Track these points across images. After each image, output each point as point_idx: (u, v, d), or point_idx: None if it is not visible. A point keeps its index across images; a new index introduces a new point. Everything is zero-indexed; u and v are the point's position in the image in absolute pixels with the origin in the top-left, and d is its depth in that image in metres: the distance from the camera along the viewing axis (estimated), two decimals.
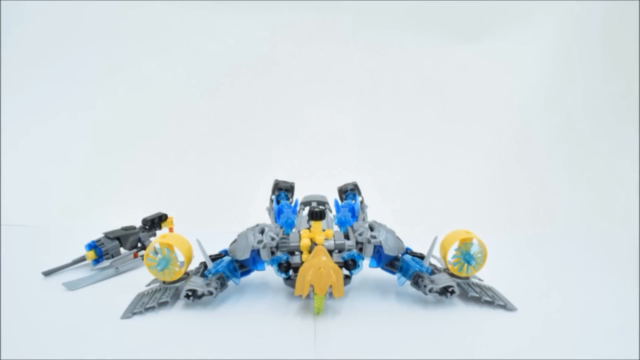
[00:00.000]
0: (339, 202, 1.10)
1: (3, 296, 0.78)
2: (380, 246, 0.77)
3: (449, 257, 0.79)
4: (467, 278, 0.79)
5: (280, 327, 0.70)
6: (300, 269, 0.71)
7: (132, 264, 0.93)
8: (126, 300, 0.76)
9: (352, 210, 1.02)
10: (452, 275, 0.78)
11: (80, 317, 0.72)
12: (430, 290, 0.74)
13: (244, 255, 0.77)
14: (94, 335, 0.66)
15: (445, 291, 0.74)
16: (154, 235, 1.00)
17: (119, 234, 0.93)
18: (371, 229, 0.79)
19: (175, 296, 0.76)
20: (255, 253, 0.77)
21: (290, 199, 1.12)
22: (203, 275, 0.77)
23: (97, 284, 0.85)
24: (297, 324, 0.71)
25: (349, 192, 1.12)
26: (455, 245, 0.79)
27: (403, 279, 0.79)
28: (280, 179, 1.13)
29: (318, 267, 0.68)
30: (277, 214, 0.99)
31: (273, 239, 0.77)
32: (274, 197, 1.09)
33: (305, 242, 0.75)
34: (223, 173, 1.44)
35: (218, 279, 0.75)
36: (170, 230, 1.05)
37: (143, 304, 0.73)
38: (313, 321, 0.71)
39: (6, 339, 0.64)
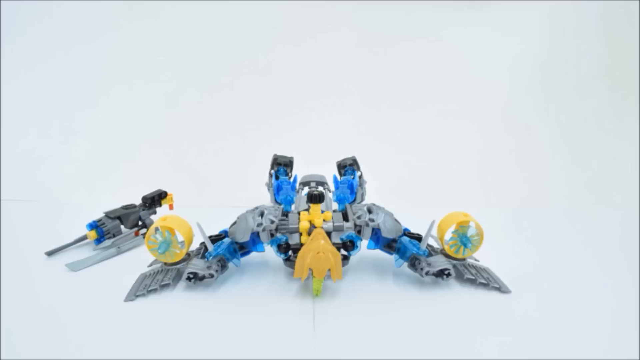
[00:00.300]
0: (338, 177, 1.10)
1: (5, 277, 0.79)
2: (379, 229, 0.78)
3: (446, 238, 0.80)
4: (464, 259, 0.81)
5: (280, 308, 0.72)
6: (300, 252, 0.72)
7: (134, 243, 0.94)
8: (129, 280, 0.77)
9: (351, 187, 1.02)
10: (448, 256, 0.80)
11: (84, 299, 0.74)
12: (427, 273, 0.75)
13: (243, 237, 0.78)
14: (98, 317, 0.69)
15: (441, 273, 0.75)
16: (155, 213, 1.01)
17: (120, 213, 0.93)
18: (369, 211, 0.79)
19: (177, 277, 0.78)
20: (255, 235, 0.78)
21: (290, 174, 1.12)
22: (204, 257, 0.78)
23: (100, 264, 0.86)
24: (296, 305, 0.73)
25: (347, 167, 1.12)
26: (453, 227, 0.80)
27: (400, 260, 0.80)
28: (279, 153, 1.13)
29: (317, 251, 0.69)
30: (276, 190, 1.00)
31: (272, 221, 0.78)
32: (273, 172, 1.09)
33: (304, 225, 0.76)
34: (222, 148, 1.43)
35: (219, 261, 0.77)
36: (171, 207, 1.05)
37: (145, 286, 0.74)
38: (312, 302, 0.73)
39: (8, 322, 0.66)
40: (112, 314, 0.70)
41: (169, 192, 1.05)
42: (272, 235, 0.78)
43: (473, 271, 0.78)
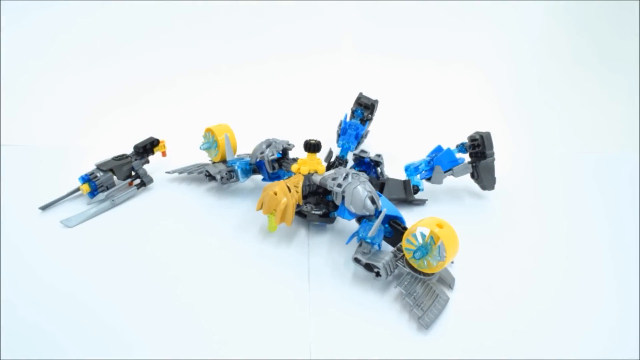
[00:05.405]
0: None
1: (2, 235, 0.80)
2: (344, 197, 0.74)
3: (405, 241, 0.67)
4: (427, 275, 0.68)
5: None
6: (264, 187, 0.78)
7: (128, 194, 0.93)
8: (124, 234, 0.81)
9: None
10: (412, 268, 0.68)
11: (81, 254, 0.76)
12: (355, 260, 0.70)
13: (252, 161, 0.91)
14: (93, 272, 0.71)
15: (369, 269, 0.70)
16: (147, 162, 0.99)
17: (112, 164, 0.91)
18: (345, 177, 0.76)
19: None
20: (262, 163, 0.89)
21: (368, 118, 1.07)
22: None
23: (94, 218, 0.86)
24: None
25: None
26: (424, 230, 0.66)
27: (351, 238, 0.75)
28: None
29: (273, 190, 0.74)
30: (342, 132, 1.02)
31: (273, 154, 0.88)
32: (352, 110, 1.08)
33: (294, 167, 0.84)
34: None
35: (230, 171, 0.91)
36: (164, 154, 1.03)
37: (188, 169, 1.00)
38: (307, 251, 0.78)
39: (7, 280, 0.68)
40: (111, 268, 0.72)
41: (161, 140, 1.02)
42: (274, 168, 0.89)
43: (419, 290, 0.67)
